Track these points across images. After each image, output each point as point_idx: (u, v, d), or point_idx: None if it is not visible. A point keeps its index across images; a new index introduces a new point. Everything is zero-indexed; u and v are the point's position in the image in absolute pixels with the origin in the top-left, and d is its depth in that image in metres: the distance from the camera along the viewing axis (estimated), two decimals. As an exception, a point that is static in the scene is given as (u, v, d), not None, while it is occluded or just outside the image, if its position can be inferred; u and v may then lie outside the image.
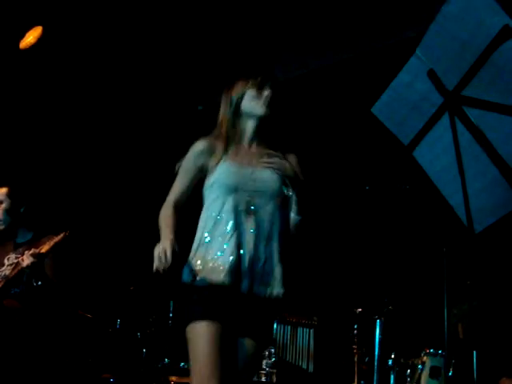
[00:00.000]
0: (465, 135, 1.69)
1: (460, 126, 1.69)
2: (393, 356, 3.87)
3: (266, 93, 2.41)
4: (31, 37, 4.52)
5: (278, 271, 2.30)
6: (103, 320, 4.72)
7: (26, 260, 3.26)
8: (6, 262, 3.52)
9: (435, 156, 1.82)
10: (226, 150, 2.40)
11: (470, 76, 1.60)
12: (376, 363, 3.92)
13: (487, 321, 3.81)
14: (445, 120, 1.73)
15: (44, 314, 3.56)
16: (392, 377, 3.86)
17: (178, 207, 2.40)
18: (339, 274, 5.04)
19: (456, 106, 1.67)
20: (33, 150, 5.42)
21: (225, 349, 2.19)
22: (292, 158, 2.45)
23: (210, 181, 2.38)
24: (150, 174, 5.51)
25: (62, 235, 3.27)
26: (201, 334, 2.18)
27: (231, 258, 2.24)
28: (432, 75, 1.68)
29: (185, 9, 4.65)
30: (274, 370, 4.03)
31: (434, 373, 3.67)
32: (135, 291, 4.77)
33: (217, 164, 2.37)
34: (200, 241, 2.33)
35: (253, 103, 2.41)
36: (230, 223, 2.28)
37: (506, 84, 1.56)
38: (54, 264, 3.53)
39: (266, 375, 3.99)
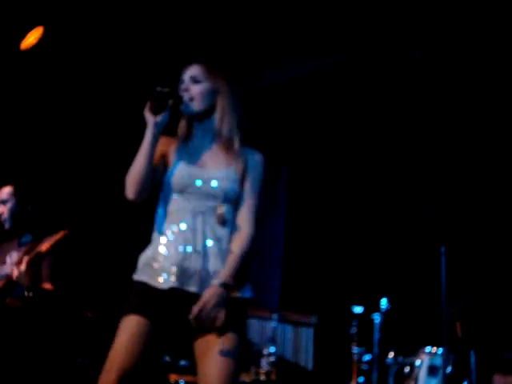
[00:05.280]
0: None
1: None
2: (391, 354, 3.88)
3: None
4: (32, 37, 4.53)
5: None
6: (104, 319, 4.74)
7: (15, 271, 3.24)
8: (8, 260, 3.52)
9: None
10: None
11: None
12: (375, 361, 3.93)
13: (485, 319, 3.83)
14: None
15: (45, 313, 3.57)
16: (391, 375, 3.88)
17: None
18: (339, 273, 5.06)
19: None
20: (36, 150, 5.43)
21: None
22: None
23: None
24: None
25: (61, 234, 3.26)
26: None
27: None
28: None
29: (185, 10, 4.67)
30: (274, 369, 4.04)
31: (432, 371, 3.69)
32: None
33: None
34: None
35: None
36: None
37: None
38: (52, 263, 3.54)
39: (265, 374, 4.01)
